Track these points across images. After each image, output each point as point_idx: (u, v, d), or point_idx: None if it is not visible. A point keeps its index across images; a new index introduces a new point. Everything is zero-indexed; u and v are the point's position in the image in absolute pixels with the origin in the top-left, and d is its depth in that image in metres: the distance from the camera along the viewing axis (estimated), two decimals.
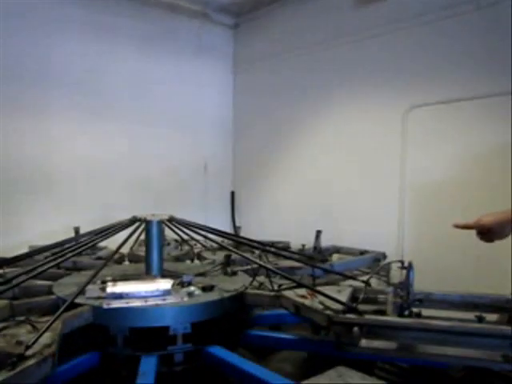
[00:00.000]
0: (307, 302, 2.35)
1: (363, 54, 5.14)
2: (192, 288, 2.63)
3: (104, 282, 2.58)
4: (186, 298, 2.48)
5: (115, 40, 5.59)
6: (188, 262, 4.14)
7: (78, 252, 2.87)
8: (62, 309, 2.05)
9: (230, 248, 3.28)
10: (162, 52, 6.05)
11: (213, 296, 2.56)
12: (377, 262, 3.72)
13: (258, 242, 3.72)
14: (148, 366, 2.15)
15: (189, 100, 6.34)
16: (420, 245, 4.47)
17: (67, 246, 3.09)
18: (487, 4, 4.10)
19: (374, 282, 3.07)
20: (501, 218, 2.21)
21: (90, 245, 2.92)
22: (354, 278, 2.91)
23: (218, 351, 2.36)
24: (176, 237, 4.12)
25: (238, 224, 6.53)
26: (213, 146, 6.71)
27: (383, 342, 2.13)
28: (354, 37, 5.17)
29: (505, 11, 3.94)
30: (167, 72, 6.11)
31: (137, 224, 3.05)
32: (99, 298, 2.39)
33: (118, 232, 2.97)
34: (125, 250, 4.01)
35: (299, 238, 4.56)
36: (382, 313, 2.23)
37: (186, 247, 4.42)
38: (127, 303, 2.34)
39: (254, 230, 5.76)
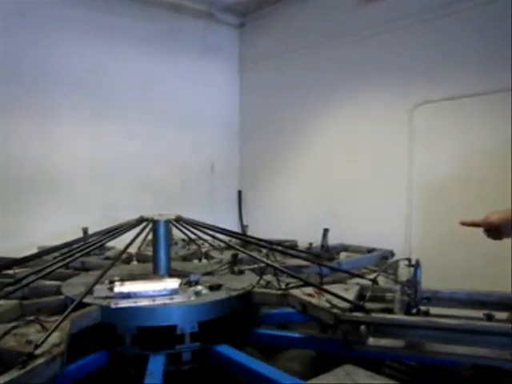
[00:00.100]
0: (314, 300, 2.35)
1: (367, 52, 5.13)
2: (199, 287, 2.64)
3: (112, 282, 2.59)
4: (193, 297, 2.49)
5: (118, 40, 5.63)
6: (195, 261, 4.15)
7: (86, 252, 2.89)
8: (70, 308, 2.07)
9: (237, 247, 3.28)
10: (167, 52, 6.08)
11: (220, 295, 2.57)
12: (384, 260, 3.70)
13: (265, 241, 3.72)
14: (156, 365, 2.16)
15: (195, 100, 6.36)
16: (427, 242, 4.45)
17: (75, 246, 3.11)
18: (487, 1, 4.08)
19: (381, 279, 3.06)
20: (509, 216, 2.20)
21: (98, 245, 2.94)
22: (361, 276, 2.91)
23: (226, 350, 2.37)
24: (183, 236, 4.14)
25: (245, 223, 6.53)
26: (219, 146, 6.72)
27: (391, 341, 2.12)
28: (358, 35, 5.16)
29: (504, 7, 3.91)
30: (172, 72, 6.13)
31: (144, 224, 3.06)
32: (107, 297, 2.41)
33: (125, 232, 2.98)
34: (133, 249, 4.04)
35: (306, 236, 4.56)
36: (390, 311, 2.22)
37: (194, 247, 4.44)
38: (135, 303, 2.36)
39: (261, 229, 5.75)
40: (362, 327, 2.04)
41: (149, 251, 3.71)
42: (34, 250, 3.49)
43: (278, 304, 2.68)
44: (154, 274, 2.96)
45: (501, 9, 3.96)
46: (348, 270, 3.26)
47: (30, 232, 4.75)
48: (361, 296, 2.46)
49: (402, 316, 2.11)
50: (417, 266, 2.25)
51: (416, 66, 4.68)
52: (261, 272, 3.00)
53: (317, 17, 5.70)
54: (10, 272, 2.97)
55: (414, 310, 2.26)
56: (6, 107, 4.73)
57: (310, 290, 2.51)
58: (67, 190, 5.20)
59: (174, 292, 2.51)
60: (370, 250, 3.98)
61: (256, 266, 3.27)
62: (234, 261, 3.35)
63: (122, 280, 2.64)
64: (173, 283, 2.57)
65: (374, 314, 2.07)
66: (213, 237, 3.38)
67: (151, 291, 2.48)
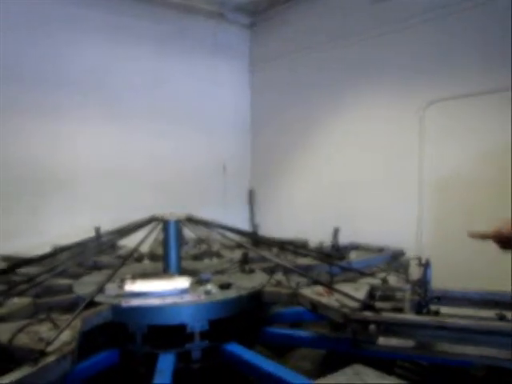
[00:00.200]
0: (324, 299, 2.35)
1: (377, 51, 5.09)
2: (209, 286, 2.65)
3: (123, 281, 2.62)
4: (203, 296, 2.50)
5: (131, 41, 5.66)
6: (206, 260, 4.16)
7: (99, 251, 2.92)
8: (81, 307, 2.10)
9: (247, 246, 3.29)
10: (178, 53, 6.10)
11: (230, 294, 2.58)
12: (395, 259, 3.67)
13: (276, 240, 3.72)
14: (166, 364, 2.18)
15: (206, 100, 6.38)
16: (439, 241, 4.40)
17: (88, 245, 3.15)
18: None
19: (393, 279, 3.04)
20: None
21: (108, 244, 2.97)
22: (371, 275, 2.89)
23: (236, 348, 2.38)
24: (194, 235, 4.15)
25: (256, 222, 6.54)
26: (231, 146, 6.73)
27: (401, 340, 2.11)
28: (368, 35, 5.13)
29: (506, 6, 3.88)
30: (184, 72, 6.15)
31: (155, 223, 3.08)
32: (118, 296, 2.43)
33: (136, 231, 3.01)
34: (145, 248, 4.08)
35: (317, 235, 4.53)
36: (400, 310, 2.20)
37: (205, 245, 4.45)
38: (145, 301, 2.38)
39: (272, 228, 5.73)
40: (372, 326, 2.03)
41: (161, 250, 3.72)
42: (48, 249, 3.54)
43: (288, 303, 2.69)
44: (165, 273, 2.98)
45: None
46: (358, 269, 3.25)
47: (44, 231, 4.81)
48: (371, 295, 2.45)
49: (411, 315, 2.10)
50: (427, 265, 2.24)
51: (426, 65, 4.62)
52: (271, 271, 3.01)
53: (327, 16, 5.68)
54: (24, 271, 3.00)
55: (425, 310, 2.24)
56: (20, 107, 4.80)
57: (320, 289, 2.51)
58: (80, 189, 5.25)
59: (184, 291, 2.53)
60: (381, 249, 3.95)
61: (266, 264, 3.29)
62: (245, 260, 3.36)
63: (133, 279, 2.67)
64: (183, 282, 2.60)
65: (383, 314, 2.06)
66: (224, 236, 3.38)
67: (161, 290, 2.50)
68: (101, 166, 5.40)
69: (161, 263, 3.20)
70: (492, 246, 2.05)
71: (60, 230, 4.65)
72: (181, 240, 4.38)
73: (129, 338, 2.37)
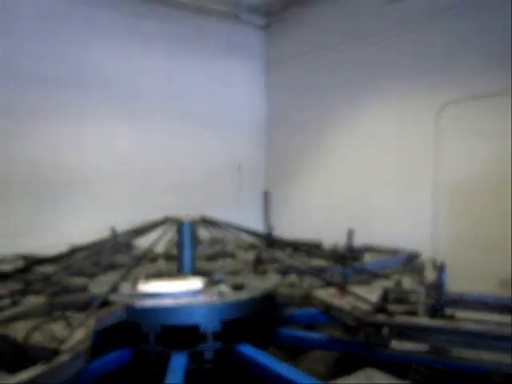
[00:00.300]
0: (336, 301, 2.34)
1: (394, 52, 5.04)
2: (222, 287, 2.66)
3: (137, 281, 2.64)
4: (216, 297, 2.50)
5: (146, 42, 5.72)
6: (221, 260, 4.17)
7: (114, 251, 2.95)
8: (94, 307, 2.12)
9: (261, 247, 3.29)
10: (193, 53, 6.13)
11: (243, 295, 2.58)
12: (410, 261, 3.62)
13: (290, 242, 3.71)
14: (178, 363, 2.19)
15: (221, 100, 6.40)
16: (455, 244, 4.34)
17: (104, 245, 3.18)
18: None
19: (408, 281, 3.00)
20: None
21: (123, 244, 3.00)
22: (384, 277, 2.86)
23: (248, 350, 2.38)
24: (209, 236, 4.17)
25: (271, 223, 6.53)
26: (246, 147, 6.74)
27: (414, 344, 2.08)
28: (385, 35, 5.08)
29: None
30: (199, 73, 6.18)
31: (169, 223, 3.10)
32: (132, 296, 2.45)
33: (150, 231, 3.03)
34: (160, 249, 4.10)
35: (332, 236, 4.51)
36: (414, 314, 2.17)
37: (219, 246, 4.46)
38: (159, 302, 2.39)
39: (286, 229, 5.73)
40: (384, 330, 2.01)
41: (175, 251, 3.74)
42: (64, 249, 3.59)
43: (301, 304, 2.67)
44: (179, 274, 2.99)
45: None
46: (373, 270, 3.21)
47: (61, 231, 4.88)
48: (384, 298, 2.42)
49: (425, 319, 2.07)
50: (441, 268, 2.20)
51: (442, 65, 4.56)
52: (284, 272, 3.01)
53: (341, 17, 5.64)
54: (41, 270, 3.05)
55: (439, 314, 2.21)
56: (42, 110, 4.90)
57: (332, 291, 2.49)
58: (97, 189, 5.31)
59: (197, 292, 2.54)
60: (396, 251, 3.91)
61: (280, 266, 3.28)
62: (258, 261, 3.36)
63: (147, 279, 2.69)
64: (196, 283, 2.61)
65: (396, 317, 2.04)
66: (237, 237, 3.38)
67: (175, 291, 2.51)
68: (116, 167, 5.46)
69: (175, 263, 3.22)
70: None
71: (77, 230, 4.72)
72: (195, 241, 4.42)
73: (142, 337, 2.38)
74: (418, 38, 4.76)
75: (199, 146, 6.17)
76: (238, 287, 2.69)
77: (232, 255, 4.21)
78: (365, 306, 2.19)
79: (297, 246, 3.70)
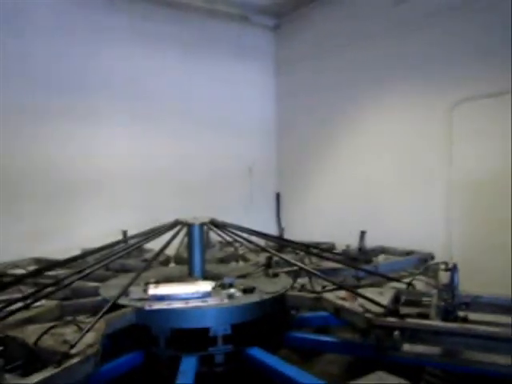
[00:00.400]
0: (347, 304, 2.31)
1: (404, 51, 4.99)
2: (232, 290, 2.65)
3: (147, 284, 2.65)
4: (226, 300, 2.50)
5: (159, 46, 5.77)
6: (232, 263, 4.17)
7: (124, 254, 2.96)
8: (104, 310, 2.13)
9: (270, 250, 3.27)
10: (204, 56, 6.16)
11: (253, 298, 2.57)
12: (424, 263, 3.58)
13: (301, 244, 3.69)
14: (188, 366, 2.19)
15: (232, 102, 6.42)
16: (469, 245, 4.27)
17: (115, 248, 3.19)
18: None
19: (422, 283, 2.96)
20: None
21: (133, 248, 3.01)
22: (397, 279, 2.82)
23: (258, 353, 2.36)
24: (220, 239, 4.17)
25: (282, 225, 6.52)
26: (257, 147, 6.74)
27: (427, 347, 2.05)
28: (394, 34, 5.04)
29: None
30: (210, 75, 6.21)
31: (179, 227, 3.11)
32: (142, 299, 2.46)
33: (160, 235, 3.04)
34: (171, 252, 4.12)
35: (345, 238, 4.48)
36: (426, 316, 2.14)
37: (231, 249, 4.46)
38: (168, 305, 2.40)
39: (298, 231, 5.72)
40: (396, 333, 1.98)
41: (186, 253, 3.75)
42: (77, 252, 3.63)
43: (312, 307, 2.65)
44: (190, 277, 3.00)
45: None
46: (385, 272, 3.18)
47: (75, 234, 4.93)
48: (396, 300, 2.39)
49: (437, 322, 2.03)
50: (454, 269, 2.16)
51: (453, 64, 4.51)
52: (295, 275, 2.99)
53: (351, 18, 5.61)
54: (52, 273, 3.08)
55: (452, 316, 2.17)
56: (55, 113, 4.96)
57: (343, 293, 2.47)
58: (109, 193, 5.36)
59: (207, 295, 2.53)
60: (409, 253, 3.87)
61: (291, 268, 3.26)
62: (269, 264, 3.34)
63: (157, 282, 2.70)
64: (206, 286, 2.60)
65: (408, 320, 2.01)
66: (247, 240, 3.36)
67: (185, 294, 2.51)
68: (128, 170, 5.51)
69: (186, 266, 3.22)
70: None
71: (90, 234, 4.76)
72: (206, 243, 4.43)
73: (152, 340, 2.39)
74: (428, 37, 4.71)
75: (210, 148, 6.19)
76: (248, 290, 2.68)
77: (243, 258, 4.21)
78: (376, 309, 2.16)
79: (308, 248, 3.67)
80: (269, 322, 2.59)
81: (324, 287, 2.68)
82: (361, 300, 2.29)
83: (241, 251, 4.33)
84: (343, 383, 1.88)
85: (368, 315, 2.10)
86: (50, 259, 3.87)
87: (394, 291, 2.44)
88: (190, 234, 3.06)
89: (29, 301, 2.32)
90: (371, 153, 5.43)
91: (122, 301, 2.42)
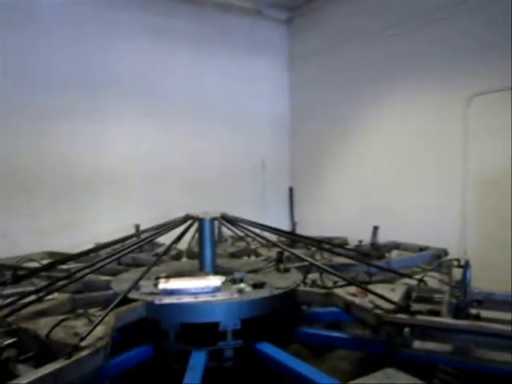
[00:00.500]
0: (357, 300, 2.29)
1: (420, 43, 4.92)
2: (242, 285, 2.64)
3: (158, 279, 2.66)
4: (235, 295, 2.49)
5: (170, 41, 5.78)
6: (244, 258, 4.17)
7: (135, 249, 2.98)
8: (113, 303, 2.14)
9: (281, 245, 3.26)
10: (217, 51, 6.15)
11: (263, 293, 2.56)
12: (437, 259, 3.53)
13: (313, 239, 3.67)
14: (197, 361, 2.19)
15: (245, 98, 6.41)
16: (484, 242, 4.20)
17: (126, 242, 3.21)
18: None
19: (434, 279, 2.92)
20: None
21: (144, 242, 3.03)
22: (408, 275, 2.79)
23: (267, 348, 2.36)
24: (233, 233, 4.17)
25: (295, 219, 6.50)
26: (270, 143, 6.73)
27: (438, 344, 2.02)
28: (410, 26, 4.96)
29: None
30: (222, 71, 6.20)
31: (190, 221, 3.11)
32: (152, 293, 2.47)
33: (171, 230, 3.05)
34: (183, 246, 4.14)
35: (358, 232, 4.44)
36: (437, 313, 2.11)
37: (243, 243, 4.47)
38: (178, 299, 2.40)
39: (311, 225, 5.71)
40: (406, 330, 1.96)
41: (197, 248, 3.76)
42: (91, 246, 3.66)
43: (322, 303, 2.64)
44: (200, 271, 3.00)
45: None
46: (398, 269, 3.15)
47: (89, 229, 4.99)
48: (408, 296, 2.37)
49: (448, 319, 2.00)
50: (466, 266, 2.13)
51: (468, 57, 4.43)
52: (306, 270, 2.97)
53: (365, 10, 5.54)
54: (66, 267, 3.12)
55: (464, 314, 2.14)
56: (69, 110, 5.01)
57: (354, 289, 2.45)
58: (122, 189, 5.40)
59: (216, 289, 2.53)
60: (423, 249, 3.82)
61: (302, 264, 3.24)
62: (280, 259, 3.33)
63: (168, 277, 2.71)
64: (216, 281, 2.60)
65: (418, 317, 1.98)
66: (257, 235, 3.35)
67: (194, 288, 2.51)
68: (141, 166, 5.55)
69: (198, 261, 3.23)
70: None
71: (103, 228, 4.82)
72: (217, 238, 4.44)
73: (162, 334, 2.40)
74: (445, 29, 4.63)
75: (223, 143, 6.20)
76: (258, 285, 2.68)
77: (255, 253, 4.21)
78: (386, 305, 2.14)
79: (320, 244, 3.66)
80: (279, 317, 2.59)
81: (335, 283, 2.66)
82: (371, 296, 2.27)
83: (253, 246, 4.34)
84: (352, 379, 1.87)
85: (378, 311, 2.08)
86: (64, 253, 3.93)
87: (405, 287, 2.41)
88: (200, 229, 3.06)
89: (41, 294, 2.36)
90: (386, 149, 5.38)
91: (133, 295, 2.44)
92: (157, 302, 2.36)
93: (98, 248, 3.35)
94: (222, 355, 2.39)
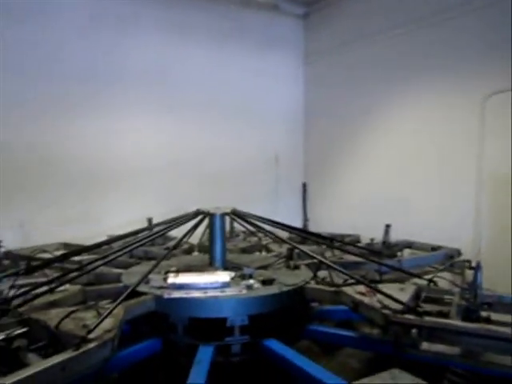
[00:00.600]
0: (366, 299, 2.28)
1: (437, 39, 4.83)
2: (251, 281, 2.65)
3: (167, 273, 2.68)
4: (244, 291, 2.50)
5: (188, 36, 5.78)
6: (255, 253, 4.18)
7: (147, 242, 3.00)
8: (122, 296, 2.17)
9: (290, 242, 3.25)
10: (233, 46, 6.15)
11: (271, 290, 2.56)
12: (450, 260, 3.48)
13: (324, 237, 3.66)
14: (204, 355, 2.21)
15: (259, 92, 6.40)
16: (500, 240, 4.12)
17: (140, 235, 3.23)
18: None
19: (445, 280, 2.88)
20: None
21: (155, 236, 3.05)
22: (417, 275, 2.76)
23: (274, 345, 2.36)
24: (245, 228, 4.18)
25: (308, 215, 6.49)
26: (284, 138, 6.71)
27: (446, 347, 2.00)
28: (426, 22, 4.88)
29: None
30: (238, 65, 6.20)
31: (201, 216, 3.13)
32: (161, 287, 2.49)
33: (181, 224, 3.07)
34: (195, 240, 4.16)
35: (371, 230, 4.41)
36: (446, 315, 2.08)
37: (254, 239, 4.47)
38: (187, 294, 2.42)
39: (324, 222, 5.70)
40: (414, 331, 1.94)
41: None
42: (105, 238, 3.70)
43: (331, 301, 2.63)
44: (210, 266, 3.02)
45: None
46: (409, 268, 3.12)
47: (103, 221, 5.05)
48: (417, 297, 2.34)
49: (456, 321, 1.98)
50: (477, 268, 2.10)
51: (485, 54, 4.34)
52: (315, 268, 2.96)
53: (382, 5, 5.47)
54: (78, 258, 3.17)
55: (474, 316, 2.10)
56: (86, 105, 5.07)
57: (362, 287, 2.44)
58: (137, 181, 5.45)
59: (225, 285, 2.54)
60: (435, 248, 3.77)
61: (312, 261, 3.23)
62: (290, 255, 3.33)
63: (178, 271, 2.73)
64: (225, 276, 2.61)
65: (426, 318, 1.96)
66: (267, 231, 3.34)
67: (203, 283, 2.53)
68: (156, 159, 5.58)
69: (208, 255, 3.24)
70: None
71: (117, 220, 4.87)
72: (229, 233, 4.45)
73: (171, 328, 2.42)
74: (462, 25, 4.54)
75: (236, 138, 6.20)
76: (267, 282, 2.68)
77: (266, 248, 4.21)
78: (395, 305, 2.12)
79: (332, 241, 3.64)
80: (287, 314, 2.59)
81: (345, 281, 2.65)
82: (379, 296, 2.25)
83: (264, 241, 4.34)
84: (361, 378, 1.86)
85: (385, 311, 2.06)
86: (78, 244, 3.98)
87: (414, 288, 2.39)
88: (211, 224, 3.07)
89: (53, 285, 2.40)
90: (400, 146, 5.32)
91: (143, 288, 2.47)
92: (166, 296, 2.38)
93: (111, 240, 3.38)
94: (229, 350, 2.41)
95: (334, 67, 6.25)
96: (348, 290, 2.48)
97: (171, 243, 4.18)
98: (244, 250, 4.09)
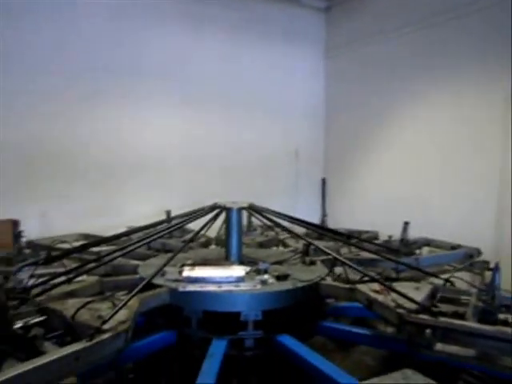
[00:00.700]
0: (380, 297, 2.26)
1: (460, 34, 4.71)
2: (266, 276, 2.65)
3: (183, 266, 2.71)
4: (258, 286, 2.50)
5: (210, 29, 5.79)
6: (274, 248, 4.18)
7: (164, 234, 3.03)
8: (137, 289, 2.20)
9: (306, 238, 3.24)
10: (255, 40, 6.12)
11: (285, 285, 2.56)
12: (469, 259, 3.41)
13: (341, 233, 3.63)
14: (218, 349, 2.23)
15: (280, 87, 6.37)
16: None
17: (158, 228, 3.27)
18: None
19: (463, 280, 2.83)
20: None
21: (173, 228, 3.08)
22: (434, 274, 2.71)
23: (288, 340, 2.36)
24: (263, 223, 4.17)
25: (327, 211, 6.45)
26: (304, 133, 6.67)
27: (461, 348, 1.97)
28: (449, 16, 4.75)
29: None
30: (258, 60, 6.18)
31: (217, 210, 3.14)
32: (176, 280, 2.52)
33: (199, 218, 3.09)
34: (213, 234, 4.19)
35: (390, 227, 4.35)
36: (461, 316, 2.04)
37: (272, 233, 4.47)
38: (201, 287, 2.44)
39: (343, 218, 5.65)
40: (428, 331, 1.91)
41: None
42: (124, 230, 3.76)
43: (346, 298, 2.62)
44: (226, 260, 3.03)
45: None
46: (427, 267, 3.08)
47: (124, 213, 5.12)
48: (433, 296, 2.31)
49: (471, 323, 1.93)
50: (496, 269, 2.05)
51: (507, 53, 4.21)
52: (331, 264, 2.94)
53: (403, 2, 5.35)
54: (97, 249, 3.22)
55: (491, 318, 2.06)
56: (105, 97, 5.14)
57: (377, 285, 2.41)
58: (158, 174, 5.51)
59: (240, 279, 2.55)
60: (455, 247, 3.70)
61: (328, 257, 3.21)
62: (306, 251, 3.32)
63: (193, 264, 2.76)
64: (239, 271, 2.62)
65: (441, 318, 1.93)
66: (284, 227, 3.33)
67: (218, 277, 2.54)
68: (174, 153, 5.62)
69: (225, 249, 3.25)
70: None
71: (137, 212, 4.94)
72: (247, 227, 4.45)
73: (185, 321, 2.44)
74: (485, 19, 4.42)
75: (257, 132, 6.19)
76: (282, 277, 2.68)
77: (283, 243, 4.20)
78: (409, 304, 2.09)
79: (349, 237, 3.61)
80: (301, 310, 2.58)
81: (361, 278, 2.62)
82: (394, 294, 2.23)
83: (281, 236, 4.33)
84: (375, 375, 1.85)
85: (400, 311, 2.04)
86: (97, 235, 4.05)
87: (430, 287, 2.35)
88: (228, 218, 3.08)
89: (71, 275, 2.45)
90: (421, 143, 5.23)
91: (158, 280, 2.49)
92: (180, 289, 2.41)
93: (130, 232, 3.42)
94: (243, 344, 2.42)
95: (355, 62, 6.17)
96: (363, 287, 2.46)
97: (189, 236, 4.20)
98: (261, 245, 4.10)
